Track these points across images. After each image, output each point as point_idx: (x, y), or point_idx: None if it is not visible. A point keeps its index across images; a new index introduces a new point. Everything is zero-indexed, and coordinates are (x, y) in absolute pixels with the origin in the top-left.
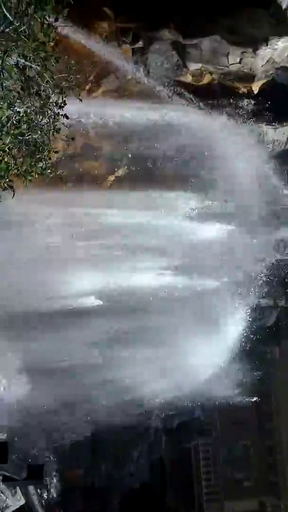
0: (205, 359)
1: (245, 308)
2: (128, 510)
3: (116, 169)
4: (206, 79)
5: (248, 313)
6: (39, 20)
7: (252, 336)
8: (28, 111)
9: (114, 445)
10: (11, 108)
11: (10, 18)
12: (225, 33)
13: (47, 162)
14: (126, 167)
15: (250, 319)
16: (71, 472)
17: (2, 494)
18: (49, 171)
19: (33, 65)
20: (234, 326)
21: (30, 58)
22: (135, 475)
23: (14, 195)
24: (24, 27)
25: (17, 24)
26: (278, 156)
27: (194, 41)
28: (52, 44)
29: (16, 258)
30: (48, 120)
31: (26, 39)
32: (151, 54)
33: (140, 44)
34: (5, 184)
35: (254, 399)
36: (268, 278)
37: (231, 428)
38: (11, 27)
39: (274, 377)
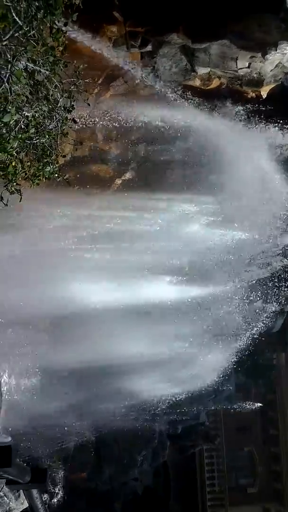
0: (210, 364)
1: (250, 314)
2: None
3: (123, 173)
4: (215, 84)
5: (254, 319)
6: (48, 24)
7: (258, 341)
8: (37, 115)
9: (118, 449)
10: (19, 113)
11: (20, 22)
12: (234, 38)
13: (54, 166)
14: (133, 170)
15: (256, 325)
16: (74, 476)
17: (5, 497)
18: (56, 175)
19: (42, 70)
20: (240, 331)
21: (39, 63)
22: (138, 480)
23: (21, 199)
24: (34, 31)
25: (26, 29)
26: (286, 161)
27: (203, 46)
28: (61, 48)
29: (24, 260)
30: (56, 125)
31: (35, 44)
32: (160, 58)
33: (149, 48)
34: (13, 188)
35: (260, 405)
36: (275, 283)
37: (236, 434)
38: (20, 32)
39: (280, 383)
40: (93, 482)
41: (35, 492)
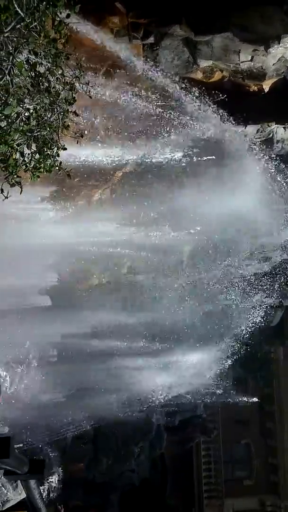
0: (208, 357)
1: (249, 308)
2: (128, 505)
3: (124, 165)
4: (217, 77)
5: (253, 313)
6: (50, 16)
7: (256, 335)
8: (38, 107)
9: (115, 440)
10: (21, 105)
11: (22, 14)
12: (237, 30)
13: (55, 159)
14: (135, 162)
15: (255, 319)
16: (72, 466)
17: (3, 488)
18: (57, 168)
19: (43, 62)
20: (238, 325)
21: (40, 55)
22: (135, 471)
23: (21, 191)
24: (36, 23)
25: (28, 20)
26: (286, 156)
27: (205, 38)
28: (63, 40)
29: (21, 251)
30: (57, 117)
31: (37, 36)
32: (162, 50)
33: (151, 39)
34: (13, 181)
35: (257, 398)
36: (274, 277)
37: (233, 427)
38: (22, 23)
39: (278, 376)
40: (90, 473)
41: (32, 482)
